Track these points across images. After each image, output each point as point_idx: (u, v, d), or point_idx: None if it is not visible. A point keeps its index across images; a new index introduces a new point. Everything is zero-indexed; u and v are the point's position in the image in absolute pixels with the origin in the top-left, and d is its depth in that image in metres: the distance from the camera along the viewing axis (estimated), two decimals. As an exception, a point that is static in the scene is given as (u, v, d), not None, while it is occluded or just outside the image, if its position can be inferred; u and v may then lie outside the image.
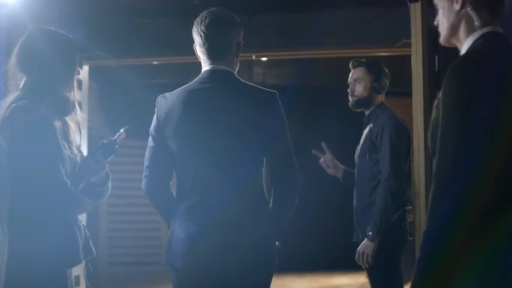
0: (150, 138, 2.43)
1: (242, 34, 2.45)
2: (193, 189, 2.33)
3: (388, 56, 5.01)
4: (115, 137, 2.48)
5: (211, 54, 2.36)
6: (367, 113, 3.43)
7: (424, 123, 3.78)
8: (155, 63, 6.20)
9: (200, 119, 2.32)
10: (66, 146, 2.35)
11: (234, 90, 2.37)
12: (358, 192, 3.38)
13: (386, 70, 3.46)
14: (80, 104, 4.75)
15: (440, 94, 1.72)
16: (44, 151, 2.23)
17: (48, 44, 2.38)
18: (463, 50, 1.82)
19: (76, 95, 2.55)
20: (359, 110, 3.47)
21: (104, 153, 2.44)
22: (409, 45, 4.12)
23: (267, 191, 2.41)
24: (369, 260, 3.19)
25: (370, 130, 3.33)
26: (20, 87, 2.36)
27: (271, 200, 2.38)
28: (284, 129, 2.38)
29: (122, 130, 2.49)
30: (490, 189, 1.59)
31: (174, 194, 2.45)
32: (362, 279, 7.89)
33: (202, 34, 2.35)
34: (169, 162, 2.39)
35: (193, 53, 2.45)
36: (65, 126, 2.41)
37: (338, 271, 7.94)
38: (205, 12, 2.40)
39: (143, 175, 2.47)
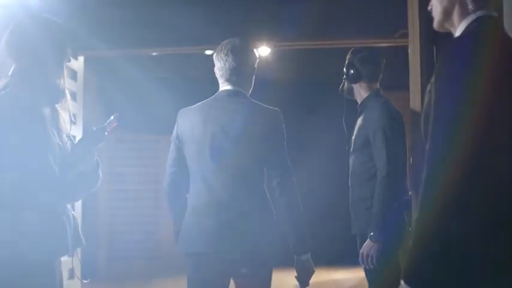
0: (172, 144, 2.87)
1: (257, 61, 2.91)
2: (206, 186, 2.73)
3: (387, 47, 4.95)
4: (105, 124, 2.44)
5: (228, 78, 2.81)
6: (359, 101, 3.37)
7: (421, 112, 3.72)
8: (154, 54, 6.16)
9: (213, 130, 2.73)
10: (56, 134, 2.32)
11: (243, 107, 2.78)
12: (353, 186, 3.32)
13: (373, 58, 3.38)
14: (74, 94, 4.75)
15: (433, 78, 1.68)
16: (32, 139, 2.19)
17: (37, 31, 2.35)
18: (456, 34, 1.79)
19: (67, 83, 2.52)
20: (350, 98, 3.42)
21: (93, 141, 2.39)
22: (408, 35, 4.06)
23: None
24: (374, 261, 3.12)
25: (363, 121, 3.26)
26: (9, 74, 2.33)
27: (275, 198, 2.76)
28: (283, 140, 2.79)
29: (112, 117, 2.45)
30: (483, 174, 1.55)
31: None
32: (362, 273, 7.84)
33: (221, 60, 2.80)
34: (186, 163, 2.81)
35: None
36: (55, 114, 2.38)
37: (338, 265, 7.92)
38: (226, 40, 2.85)
39: (167, 173, 2.89)
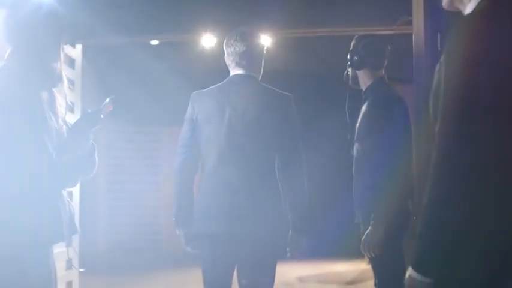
0: (185, 124, 2.97)
1: (265, 48, 3.08)
2: (219, 167, 2.86)
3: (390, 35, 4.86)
4: (100, 106, 2.39)
5: (238, 62, 2.98)
6: (364, 88, 3.29)
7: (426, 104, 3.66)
8: (154, 43, 6.09)
9: (227, 112, 2.87)
10: (53, 118, 2.29)
11: (256, 92, 2.95)
12: (357, 174, 3.25)
13: (377, 44, 3.31)
14: (72, 82, 4.69)
15: (442, 57, 1.61)
16: (29, 122, 2.16)
17: (34, 13, 2.32)
18: (466, 12, 1.72)
19: (64, 68, 2.48)
20: (355, 87, 3.35)
21: (88, 124, 2.34)
22: (411, 22, 3.98)
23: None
24: (375, 250, 3.05)
25: (367, 109, 3.20)
26: (5, 57, 2.30)
27: (282, 180, 2.93)
28: (295, 125, 2.94)
29: (107, 100, 2.39)
30: (497, 155, 1.49)
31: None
32: (362, 265, 7.84)
33: (231, 46, 2.98)
34: (198, 143, 2.93)
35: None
36: (52, 98, 2.35)
37: (339, 258, 7.90)
38: (235, 30, 3.02)
39: (178, 153, 2.97)
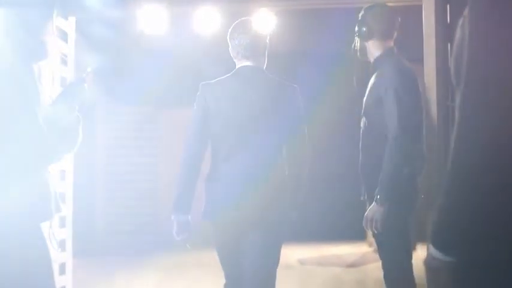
0: (196, 113, 3.03)
1: (268, 38, 3.14)
2: (232, 156, 2.95)
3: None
4: (83, 76, 2.32)
5: (243, 54, 3.04)
6: (372, 60, 3.16)
7: (436, 78, 3.54)
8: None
9: (240, 103, 2.98)
10: (42, 92, 2.23)
11: (264, 83, 3.05)
12: (365, 148, 3.14)
13: (386, 14, 3.18)
14: (65, 56, 4.54)
15: (466, 10, 1.44)
16: (21, 94, 2.08)
17: None
18: None
19: (57, 41, 2.36)
20: (363, 59, 3.21)
21: (73, 94, 2.27)
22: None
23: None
24: (378, 226, 2.96)
25: (375, 81, 3.08)
26: None
27: (288, 169, 3.02)
28: (301, 115, 3.04)
29: (89, 69, 2.29)
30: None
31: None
32: (364, 248, 7.82)
33: (235, 39, 3.05)
34: (208, 132, 3.02)
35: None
36: (40, 71, 2.31)
37: (339, 240, 7.87)
38: (238, 21, 3.11)
39: (189, 140, 3.03)
